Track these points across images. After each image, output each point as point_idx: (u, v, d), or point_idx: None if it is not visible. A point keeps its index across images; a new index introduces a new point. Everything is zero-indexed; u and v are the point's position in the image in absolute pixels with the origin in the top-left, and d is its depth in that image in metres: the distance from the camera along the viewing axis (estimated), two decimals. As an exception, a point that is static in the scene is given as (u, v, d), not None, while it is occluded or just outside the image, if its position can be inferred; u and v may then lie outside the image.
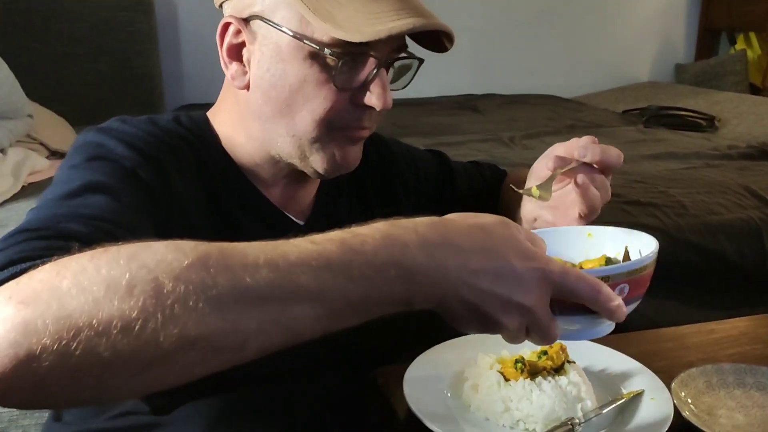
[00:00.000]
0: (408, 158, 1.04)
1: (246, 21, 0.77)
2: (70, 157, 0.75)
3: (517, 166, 1.95)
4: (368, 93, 0.76)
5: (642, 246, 0.70)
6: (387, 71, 0.79)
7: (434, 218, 0.57)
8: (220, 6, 0.81)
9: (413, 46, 0.80)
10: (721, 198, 1.67)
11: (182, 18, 3.06)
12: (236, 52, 0.79)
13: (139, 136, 0.77)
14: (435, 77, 3.44)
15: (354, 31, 0.71)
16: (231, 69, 0.79)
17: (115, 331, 0.45)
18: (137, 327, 0.46)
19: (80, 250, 0.50)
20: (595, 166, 0.79)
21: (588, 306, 0.57)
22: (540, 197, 0.77)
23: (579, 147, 0.78)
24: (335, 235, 0.54)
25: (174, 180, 0.76)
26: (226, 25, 0.78)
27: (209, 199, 0.81)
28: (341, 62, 0.73)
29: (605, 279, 0.58)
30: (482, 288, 0.55)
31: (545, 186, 0.77)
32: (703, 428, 0.74)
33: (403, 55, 0.80)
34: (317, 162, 0.80)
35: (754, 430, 0.77)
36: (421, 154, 1.08)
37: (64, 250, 0.51)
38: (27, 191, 1.75)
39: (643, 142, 2.43)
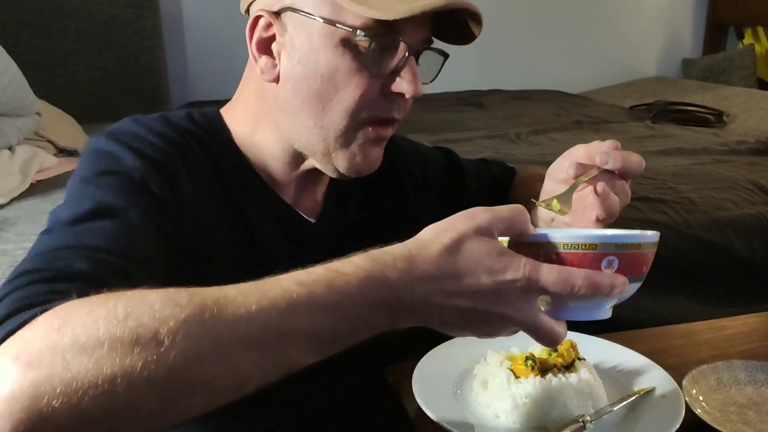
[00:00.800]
0: (416, 155, 1.04)
1: (277, 14, 0.77)
2: (82, 166, 0.76)
3: (524, 162, 1.94)
4: (399, 80, 0.76)
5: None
6: (417, 61, 0.78)
7: (409, 247, 0.58)
8: (247, 11, 0.81)
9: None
10: (730, 194, 1.66)
11: (187, 14, 3.06)
12: (266, 46, 0.79)
13: (149, 140, 0.77)
14: (440, 73, 3.45)
15: (387, 10, 0.71)
16: (260, 62, 0.79)
17: (120, 389, 0.47)
18: (141, 382, 0.48)
19: (81, 294, 0.53)
20: (615, 172, 0.78)
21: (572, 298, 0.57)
22: (560, 211, 0.74)
23: (601, 153, 0.76)
24: (320, 275, 0.56)
25: (185, 184, 0.77)
26: (257, 19, 0.78)
27: (222, 197, 0.81)
28: (372, 49, 0.73)
29: (593, 246, 0.57)
30: (463, 308, 0.57)
31: (565, 198, 0.74)
32: (715, 426, 0.74)
33: (430, 46, 0.80)
34: (340, 159, 0.80)
35: (765, 428, 0.77)
36: (430, 151, 1.08)
37: (66, 295, 0.53)
38: (35, 189, 1.75)
39: (651, 137, 2.42)
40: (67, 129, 2.24)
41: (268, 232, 0.84)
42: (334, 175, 0.83)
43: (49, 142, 2.06)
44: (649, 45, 3.95)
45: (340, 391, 0.89)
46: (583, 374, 0.78)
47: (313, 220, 0.88)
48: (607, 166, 0.75)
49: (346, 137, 0.79)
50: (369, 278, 0.56)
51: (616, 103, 3.24)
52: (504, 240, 0.60)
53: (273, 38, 0.78)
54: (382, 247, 0.59)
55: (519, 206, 0.60)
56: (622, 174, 0.76)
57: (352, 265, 0.56)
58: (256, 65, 0.80)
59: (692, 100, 2.98)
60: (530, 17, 3.65)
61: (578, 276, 0.55)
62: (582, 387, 0.77)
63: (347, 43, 0.74)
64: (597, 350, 0.89)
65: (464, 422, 0.75)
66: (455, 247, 0.57)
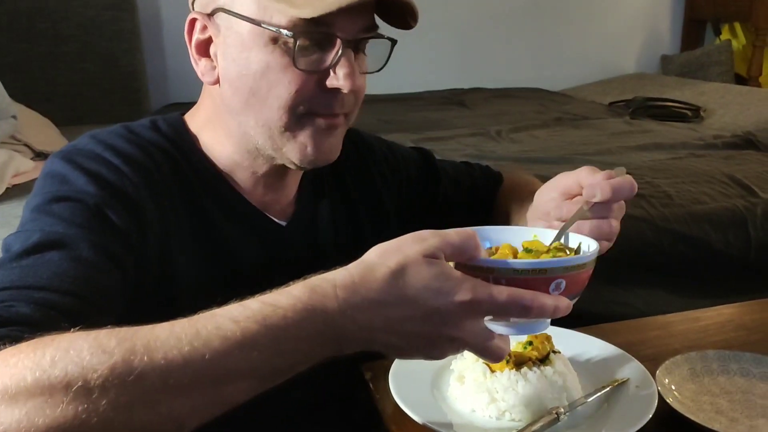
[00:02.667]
0: (388, 155, 1.03)
1: (210, 15, 0.77)
2: (36, 191, 0.75)
3: (505, 159, 1.95)
4: (334, 75, 0.75)
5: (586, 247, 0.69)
6: (357, 53, 0.77)
7: (352, 272, 0.56)
8: (192, 8, 0.81)
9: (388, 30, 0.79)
10: (707, 187, 1.68)
11: (165, 16, 3.05)
12: (204, 48, 0.79)
13: (107, 161, 0.75)
14: (421, 72, 3.45)
15: (306, 6, 0.70)
16: (200, 65, 0.79)
17: None
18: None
19: (16, 341, 0.52)
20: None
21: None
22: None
23: (587, 187, 0.73)
24: (255, 310, 0.54)
25: (146, 206, 0.75)
26: (193, 22, 0.78)
27: (189, 209, 0.80)
28: (299, 43, 0.73)
29: (543, 271, 0.58)
30: (410, 332, 0.56)
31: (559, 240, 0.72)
32: (686, 414, 0.74)
33: (372, 34, 0.78)
34: (291, 152, 0.79)
35: (737, 416, 0.78)
36: (404, 151, 1.07)
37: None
38: (12, 193, 1.73)
39: (629, 133, 2.44)
40: (44, 132, 2.22)
41: (238, 240, 0.83)
42: (293, 167, 0.82)
43: (26, 145, 2.04)
44: (629, 42, 3.99)
45: (320, 388, 0.89)
46: (557, 367, 0.79)
47: (284, 223, 0.88)
48: (595, 199, 0.72)
49: (290, 131, 0.78)
50: (306, 311, 0.54)
51: (596, 99, 3.27)
52: (455, 264, 0.59)
53: (210, 40, 0.78)
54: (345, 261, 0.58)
55: (470, 231, 0.59)
56: (616, 199, 0.73)
57: (290, 297, 0.55)
58: (197, 68, 0.80)
59: (671, 95, 3.01)
60: (511, 16, 3.67)
61: (527, 299, 0.55)
62: (557, 379, 0.78)
63: (276, 41, 0.74)
64: (572, 343, 0.89)
65: (441, 417, 0.75)
66: (401, 271, 0.55)
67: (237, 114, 0.79)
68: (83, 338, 0.51)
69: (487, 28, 3.63)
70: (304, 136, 0.78)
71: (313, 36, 0.73)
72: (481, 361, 0.80)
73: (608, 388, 0.79)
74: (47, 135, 2.22)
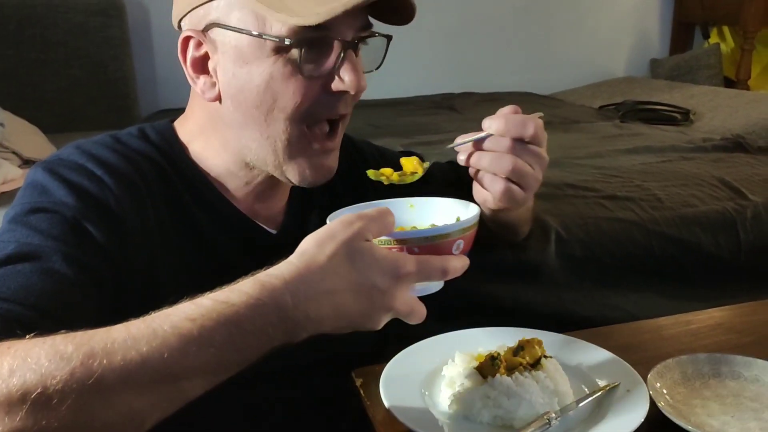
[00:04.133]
0: (379, 159, 1.03)
1: (204, 32, 0.76)
2: (17, 201, 0.75)
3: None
4: (338, 78, 0.75)
5: (466, 212, 0.77)
6: (356, 53, 0.77)
7: (296, 264, 0.60)
8: (179, 26, 0.80)
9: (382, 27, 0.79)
10: (696, 190, 1.68)
11: (155, 22, 3.03)
12: (201, 65, 0.78)
13: (90, 171, 0.75)
14: (412, 76, 3.45)
15: (308, 14, 0.70)
16: (199, 83, 0.78)
17: None
18: None
19: None
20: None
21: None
22: (400, 179, 0.81)
23: (485, 119, 0.79)
24: (209, 308, 0.56)
25: (129, 218, 0.75)
26: (186, 40, 0.78)
27: (177, 219, 0.79)
28: (304, 50, 0.72)
29: (446, 236, 0.68)
30: (353, 312, 0.61)
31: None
32: (677, 419, 0.74)
33: (368, 33, 0.78)
34: (291, 173, 0.80)
35: (728, 420, 0.78)
36: (394, 155, 1.07)
37: None
38: (1, 199, 1.72)
39: (619, 136, 2.45)
40: (32, 139, 2.20)
41: (227, 248, 0.83)
42: (290, 184, 0.82)
43: (14, 153, 2.02)
44: (618, 46, 4.00)
45: (309, 396, 0.88)
46: (549, 372, 0.79)
47: (274, 231, 0.87)
48: (490, 130, 0.77)
49: (294, 147, 0.78)
50: (259, 306, 0.57)
51: (586, 103, 3.27)
52: (376, 240, 0.65)
53: (207, 56, 0.77)
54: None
55: (385, 208, 0.66)
56: (519, 137, 0.77)
57: (242, 294, 0.57)
58: (195, 86, 0.79)
59: (660, 99, 3.02)
60: (501, 20, 3.68)
61: (444, 263, 0.65)
62: (548, 384, 0.77)
63: (278, 51, 0.73)
64: (563, 347, 0.89)
65: (432, 423, 0.75)
66: (342, 255, 0.60)
67: (239, 128, 0.78)
68: (39, 345, 0.52)
69: (477, 32, 3.64)
70: (304, 160, 0.79)
71: (313, 42, 0.73)
72: (472, 366, 0.80)
73: (599, 393, 0.79)
74: (35, 142, 2.21)
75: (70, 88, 2.75)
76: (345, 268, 0.60)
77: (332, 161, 0.83)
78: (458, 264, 0.66)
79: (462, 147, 0.80)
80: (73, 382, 0.50)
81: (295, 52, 0.73)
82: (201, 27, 0.76)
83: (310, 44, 0.73)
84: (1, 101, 2.07)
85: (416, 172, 0.79)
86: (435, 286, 0.72)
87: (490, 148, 0.78)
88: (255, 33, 0.73)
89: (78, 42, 2.75)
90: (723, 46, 3.88)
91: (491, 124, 0.77)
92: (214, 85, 0.78)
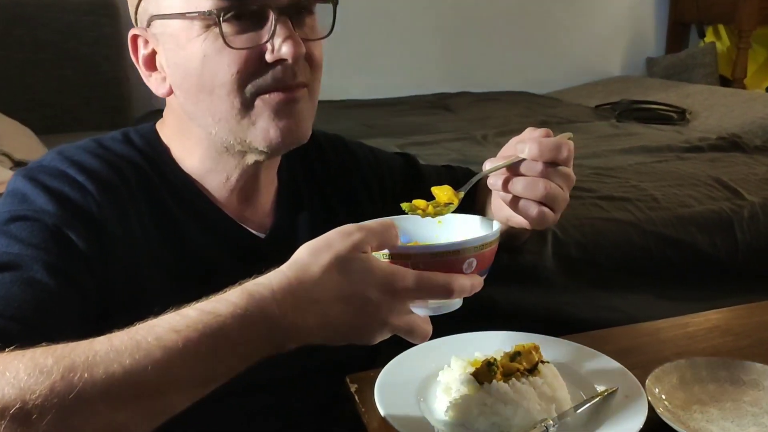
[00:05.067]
0: (372, 161, 1.02)
1: (148, 27, 0.76)
2: None
3: (490, 163, 1.94)
4: (272, 46, 0.73)
5: (489, 230, 0.73)
6: (299, 21, 0.75)
7: (287, 274, 0.58)
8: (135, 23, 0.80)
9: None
10: (693, 190, 1.68)
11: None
12: (152, 61, 0.78)
13: (72, 178, 0.74)
14: (406, 76, 3.44)
15: None
16: (152, 80, 0.79)
17: None
18: None
19: None
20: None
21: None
22: (435, 211, 0.74)
23: (519, 143, 0.76)
24: (195, 319, 0.55)
25: (111, 226, 0.74)
26: (134, 38, 0.78)
27: (159, 223, 0.78)
28: (231, 21, 0.71)
29: (455, 253, 0.63)
30: (345, 325, 0.59)
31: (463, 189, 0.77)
32: (675, 425, 0.73)
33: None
34: (256, 139, 0.77)
35: (728, 425, 0.77)
36: (387, 157, 1.06)
37: None
38: (-10, 202, 1.70)
39: (615, 136, 2.45)
40: (23, 141, 2.18)
41: (213, 254, 0.81)
42: (263, 157, 0.80)
43: (5, 155, 2.00)
44: (614, 45, 4.00)
45: (303, 402, 0.87)
46: (546, 377, 0.78)
47: (262, 235, 0.86)
48: (523, 155, 0.74)
49: (247, 117, 0.75)
50: (246, 317, 0.55)
51: (583, 102, 3.27)
52: (377, 253, 0.63)
53: (154, 53, 0.77)
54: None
55: (388, 220, 0.64)
56: (552, 161, 0.75)
57: (229, 304, 0.56)
58: (149, 84, 0.79)
59: (656, 98, 3.02)
60: (496, 20, 3.67)
61: (449, 281, 0.61)
62: (545, 390, 0.76)
63: (207, 27, 0.72)
64: (561, 353, 0.88)
65: (428, 431, 0.74)
66: (335, 266, 0.58)
67: (195, 117, 0.78)
68: (19, 359, 0.51)
69: (472, 32, 3.63)
70: (263, 120, 0.76)
71: (243, 12, 0.72)
72: (469, 372, 0.79)
73: (597, 399, 0.78)
74: (27, 144, 2.19)
75: (62, 89, 2.72)
76: (336, 279, 0.58)
77: (299, 119, 0.78)
78: (466, 283, 0.62)
79: (495, 172, 0.77)
80: (53, 397, 0.49)
81: (223, 27, 0.71)
82: (145, 24, 0.76)
83: (239, 15, 0.72)
84: (-8, 102, 2.06)
85: (451, 203, 0.75)
86: (452, 305, 0.67)
87: (524, 173, 0.75)
88: (182, 13, 0.72)
89: (70, 42, 2.72)
90: (719, 45, 3.88)
91: (524, 149, 0.74)
92: (164, 79, 0.78)
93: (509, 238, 0.94)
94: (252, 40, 0.73)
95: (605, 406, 0.77)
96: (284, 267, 0.59)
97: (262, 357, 0.58)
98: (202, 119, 0.77)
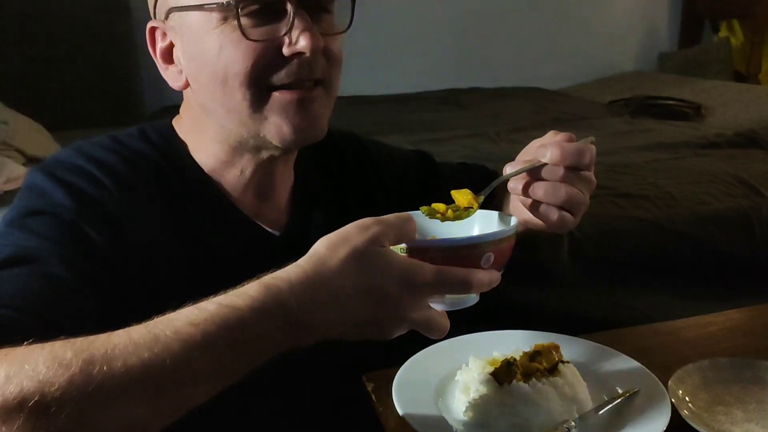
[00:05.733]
0: (387, 159, 1.01)
1: (166, 20, 0.76)
2: (14, 204, 0.74)
3: (503, 160, 1.93)
4: (290, 40, 0.73)
5: (506, 226, 0.73)
6: (318, 15, 0.75)
7: (305, 268, 0.58)
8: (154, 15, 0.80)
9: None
10: (711, 187, 1.66)
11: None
12: (169, 55, 0.78)
13: (89, 173, 0.74)
14: (418, 72, 3.43)
15: None
16: (168, 72, 0.79)
17: None
18: None
19: None
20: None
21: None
22: (453, 215, 0.74)
23: (540, 147, 0.75)
24: (213, 312, 0.54)
25: (127, 220, 0.73)
26: (152, 31, 0.78)
27: (175, 221, 0.78)
28: (249, 13, 0.71)
29: (474, 247, 0.63)
30: (362, 319, 0.59)
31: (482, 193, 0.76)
32: (700, 428, 0.72)
33: None
34: (270, 134, 0.76)
35: (753, 427, 0.75)
36: (403, 154, 1.05)
37: None
38: (4, 199, 1.71)
39: (630, 132, 2.42)
40: (36, 137, 2.19)
41: (228, 251, 0.81)
42: (277, 152, 0.79)
43: (18, 151, 2.01)
44: (627, 40, 3.97)
45: (316, 402, 0.86)
46: (566, 378, 0.77)
47: (277, 233, 0.85)
48: (545, 160, 0.73)
49: (259, 111, 0.75)
50: (265, 311, 0.55)
51: (595, 98, 3.25)
52: (395, 247, 0.62)
53: (172, 45, 0.77)
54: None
55: (406, 214, 0.63)
56: (573, 166, 0.74)
57: (247, 297, 0.55)
58: (165, 77, 0.79)
59: (670, 94, 2.99)
60: (508, 15, 3.65)
61: (468, 276, 0.60)
62: (565, 391, 0.75)
63: (225, 20, 0.72)
64: (581, 352, 0.87)
65: (447, 431, 0.73)
66: (353, 260, 0.57)
67: (209, 110, 0.78)
68: (38, 352, 0.51)
69: (484, 27, 3.61)
70: (276, 115, 0.75)
71: (261, 5, 0.71)
72: (487, 371, 0.78)
73: (619, 400, 0.77)
74: (39, 140, 2.19)
75: (75, 86, 2.73)
76: (354, 273, 0.57)
77: (315, 116, 0.77)
78: (485, 277, 0.62)
79: (516, 175, 0.76)
80: (72, 390, 0.48)
81: (241, 19, 0.71)
82: (163, 16, 0.76)
83: (259, 7, 0.72)
84: (5, 99, 2.06)
85: (471, 207, 0.74)
86: (469, 300, 0.67)
87: (545, 178, 0.74)
88: (200, 5, 0.72)
89: (82, 39, 2.73)
90: (733, 40, 3.84)
91: (546, 153, 0.73)
92: (180, 72, 0.78)
93: (525, 237, 0.92)
94: (269, 32, 0.73)
95: (627, 407, 0.76)
96: (302, 261, 0.59)
97: (279, 352, 0.57)
98: (215, 112, 0.77)
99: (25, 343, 0.52)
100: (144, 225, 0.75)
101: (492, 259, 0.64)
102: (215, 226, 0.81)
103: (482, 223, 0.76)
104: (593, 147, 0.76)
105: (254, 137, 0.77)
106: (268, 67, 0.73)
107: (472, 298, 0.67)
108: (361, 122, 2.45)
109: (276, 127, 0.76)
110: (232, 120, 0.76)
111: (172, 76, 0.79)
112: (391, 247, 0.61)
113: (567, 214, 0.74)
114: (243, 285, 0.57)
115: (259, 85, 0.74)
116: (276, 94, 0.75)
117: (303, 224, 0.88)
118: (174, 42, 0.77)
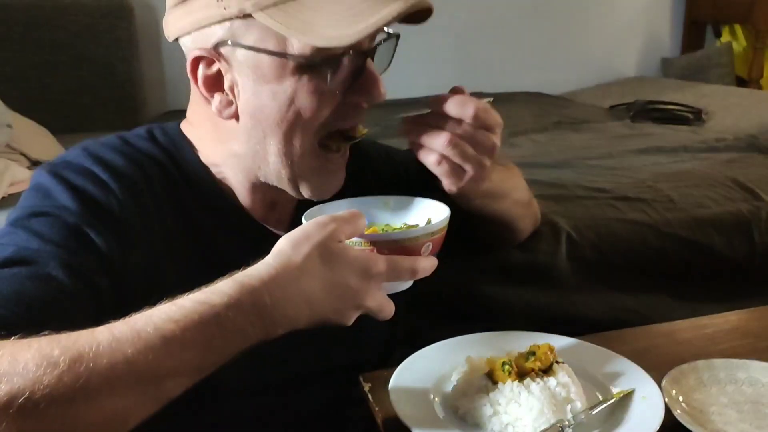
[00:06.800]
0: (386, 160, 1.02)
1: (215, 49, 0.74)
2: (20, 203, 0.74)
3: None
4: (362, 88, 0.75)
5: (437, 214, 0.79)
6: (373, 58, 0.77)
7: (273, 264, 0.63)
8: (175, 40, 0.79)
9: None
10: (710, 191, 1.66)
11: (163, 23, 3.03)
12: (214, 83, 0.76)
13: (95, 175, 0.74)
14: (421, 76, 3.43)
15: (336, 37, 0.69)
16: (214, 102, 0.77)
17: None
18: None
19: None
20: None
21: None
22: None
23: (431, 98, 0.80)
24: (190, 309, 0.58)
25: (133, 223, 0.74)
26: (197, 60, 0.75)
27: (182, 222, 0.78)
28: (329, 68, 0.72)
29: (415, 239, 0.72)
30: (326, 310, 0.65)
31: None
32: (693, 427, 0.72)
33: (382, 37, 0.78)
34: (306, 189, 0.80)
35: (746, 427, 0.76)
36: (402, 155, 1.06)
37: None
38: (7, 202, 1.72)
39: (630, 136, 2.42)
40: (40, 141, 2.20)
41: (235, 252, 0.81)
42: (299, 197, 0.82)
43: (22, 154, 2.02)
44: (629, 45, 3.97)
45: (314, 404, 0.87)
46: (561, 378, 0.77)
47: (282, 233, 0.86)
48: (432, 108, 0.79)
49: (310, 163, 0.78)
50: (239, 307, 0.59)
51: (597, 103, 3.24)
52: (349, 241, 0.69)
53: (220, 74, 0.75)
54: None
55: (356, 211, 0.69)
56: (459, 117, 0.78)
57: (223, 295, 0.59)
58: (209, 105, 0.77)
59: (671, 98, 2.99)
60: (510, 20, 3.66)
61: (414, 264, 0.69)
62: (560, 391, 0.76)
63: (302, 69, 0.72)
64: (576, 353, 0.87)
65: (442, 431, 0.73)
66: (316, 256, 0.63)
67: (255, 144, 0.77)
68: (26, 349, 0.53)
69: (486, 32, 3.62)
70: (320, 175, 0.80)
71: (335, 57, 0.72)
72: (483, 372, 0.79)
73: (614, 400, 0.77)
74: (43, 143, 2.21)
75: (78, 90, 2.74)
76: (320, 269, 0.63)
77: (342, 176, 0.84)
78: (427, 264, 0.71)
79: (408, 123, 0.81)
80: (61, 387, 0.51)
81: (318, 70, 0.72)
82: (209, 45, 0.74)
83: (333, 61, 0.72)
84: (10, 103, 2.07)
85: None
86: (404, 284, 0.76)
87: (428, 123, 0.78)
88: (277, 53, 0.71)
89: (86, 44, 2.74)
90: (735, 45, 3.84)
91: (432, 103, 0.78)
92: (230, 103, 0.76)
93: (497, 224, 0.99)
94: (341, 82, 0.74)
95: (621, 407, 0.77)
96: (269, 258, 0.64)
97: (252, 344, 0.61)
98: (263, 147, 0.77)
99: (13, 338, 0.54)
100: (149, 226, 0.75)
101: (431, 247, 0.73)
102: (221, 227, 0.81)
103: (414, 212, 0.84)
104: (486, 105, 0.80)
105: (291, 180, 0.79)
106: (339, 115, 0.76)
107: (408, 282, 0.76)
108: (365, 126, 2.45)
109: (313, 185, 0.81)
110: (281, 161, 0.78)
111: (220, 106, 0.77)
112: (346, 241, 0.68)
113: (454, 165, 0.78)
114: (216, 282, 0.61)
115: (321, 132, 0.77)
116: (326, 156, 0.79)
117: None
118: (224, 73, 0.75)
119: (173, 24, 0.78)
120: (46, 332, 0.56)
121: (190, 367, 0.58)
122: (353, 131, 0.81)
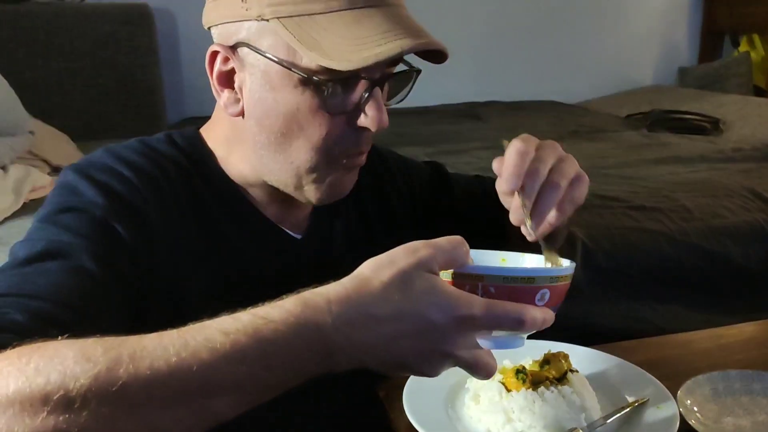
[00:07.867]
0: (403, 169, 1.02)
1: (233, 48, 0.76)
2: (48, 201, 0.75)
3: (519, 172, 1.93)
4: (363, 115, 0.75)
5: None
6: (382, 88, 0.77)
7: (346, 286, 0.55)
8: (209, 28, 0.81)
9: (412, 57, 0.78)
10: (726, 201, 1.65)
11: (182, 31, 3.06)
12: (226, 79, 0.78)
13: (120, 173, 0.76)
14: (436, 85, 3.43)
15: (340, 59, 0.69)
16: (223, 96, 0.78)
17: None
18: None
19: (3, 348, 0.52)
20: None
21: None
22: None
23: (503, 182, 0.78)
24: (246, 322, 0.53)
25: (156, 220, 0.75)
26: (214, 53, 0.77)
27: (200, 222, 0.80)
28: (331, 88, 0.72)
29: (530, 280, 0.58)
30: (402, 348, 0.54)
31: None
32: (709, 437, 0.72)
33: (399, 69, 0.78)
34: (311, 192, 0.80)
35: (762, 438, 0.76)
36: (416, 165, 1.06)
37: None
38: (29, 208, 1.74)
39: (647, 146, 2.42)
40: (61, 147, 2.23)
41: (251, 253, 0.83)
42: (307, 203, 0.83)
43: (43, 160, 2.05)
44: (645, 54, 3.96)
45: (329, 409, 0.88)
46: (575, 386, 0.77)
47: (299, 236, 0.87)
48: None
49: (318, 172, 0.78)
50: (299, 325, 0.52)
51: (613, 112, 3.24)
52: (444, 272, 0.58)
53: (233, 72, 0.77)
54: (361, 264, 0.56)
55: (459, 238, 0.58)
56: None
57: (282, 311, 0.53)
58: (219, 99, 0.79)
59: (688, 108, 2.98)
60: (526, 29, 3.66)
61: (521, 312, 0.55)
62: (574, 399, 0.76)
63: (306, 83, 0.73)
64: (590, 361, 0.87)
65: (456, 437, 0.74)
66: (396, 284, 0.54)
67: (261, 148, 0.78)
68: (69, 346, 0.51)
69: (503, 41, 3.62)
70: (329, 177, 0.79)
71: (341, 80, 0.73)
72: (497, 379, 0.79)
73: (628, 409, 0.78)
74: (64, 150, 2.24)
75: (99, 97, 2.78)
76: (398, 297, 0.53)
77: (348, 182, 0.83)
78: (539, 315, 0.56)
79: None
80: (96, 387, 0.48)
81: (322, 89, 0.73)
82: (230, 43, 0.76)
83: (338, 82, 0.73)
84: (31, 110, 2.10)
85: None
86: (516, 340, 0.61)
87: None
88: (285, 63, 0.73)
89: (106, 51, 2.78)
90: (753, 55, 3.81)
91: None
92: (237, 101, 0.78)
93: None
94: (344, 105, 0.74)
95: (636, 416, 0.77)
96: (344, 279, 0.56)
97: (312, 374, 0.54)
98: (268, 153, 0.78)
99: (60, 338, 0.53)
100: (170, 224, 0.77)
101: (548, 296, 0.59)
102: (239, 229, 0.83)
103: (532, 264, 0.71)
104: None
105: (297, 186, 0.80)
106: (339, 136, 0.76)
107: (522, 340, 0.61)
108: (382, 133, 2.46)
109: (318, 191, 0.79)
110: (287, 169, 0.78)
111: (226, 102, 0.78)
112: (441, 272, 0.57)
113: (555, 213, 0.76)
114: (282, 298, 0.55)
115: (327, 152, 0.76)
116: (335, 161, 0.78)
117: (325, 229, 0.90)
118: (237, 71, 0.77)
119: (206, 14, 0.80)
120: (96, 334, 0.53)
121: (237, 384, 0.52)
122: (359, 156, 0.80)
